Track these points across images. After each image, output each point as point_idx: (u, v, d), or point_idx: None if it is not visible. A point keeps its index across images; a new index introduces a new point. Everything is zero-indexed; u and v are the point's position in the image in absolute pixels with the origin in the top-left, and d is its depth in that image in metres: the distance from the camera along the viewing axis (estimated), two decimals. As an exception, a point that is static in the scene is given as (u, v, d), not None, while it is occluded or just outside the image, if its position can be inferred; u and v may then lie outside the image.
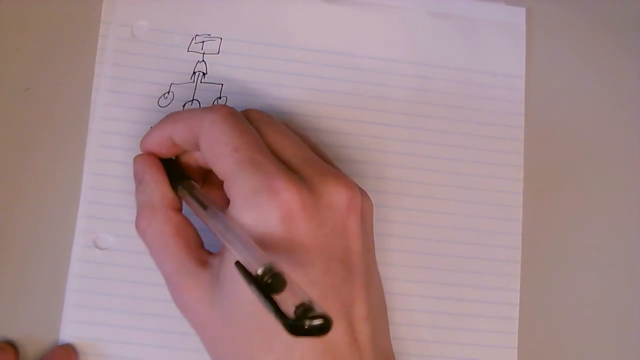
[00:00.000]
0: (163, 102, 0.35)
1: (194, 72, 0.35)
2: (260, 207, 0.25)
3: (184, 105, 0.35)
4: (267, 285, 0.21)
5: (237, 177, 0.26)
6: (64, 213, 0.33)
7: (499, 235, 0.35)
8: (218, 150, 0.27)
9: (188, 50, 0.35)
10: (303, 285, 0.22)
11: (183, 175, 0.30)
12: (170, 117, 0.29)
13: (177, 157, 0.31)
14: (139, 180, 0.30)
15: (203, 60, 0.35)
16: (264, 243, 0.24)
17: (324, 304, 0.21)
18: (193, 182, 0.29)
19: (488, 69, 0.37)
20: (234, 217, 0.25)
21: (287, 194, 0.25)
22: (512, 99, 0.37)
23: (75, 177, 0.34)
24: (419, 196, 0.35)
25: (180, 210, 0.29)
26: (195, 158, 0.31)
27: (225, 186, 0.26)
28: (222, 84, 0.35)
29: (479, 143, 0.36)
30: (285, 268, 0.22)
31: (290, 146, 0.28)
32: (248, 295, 0.23)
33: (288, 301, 0.21)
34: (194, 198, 0.28)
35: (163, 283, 0.32)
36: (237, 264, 0.23)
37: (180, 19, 0.35)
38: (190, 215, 0.29)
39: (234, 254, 0.24)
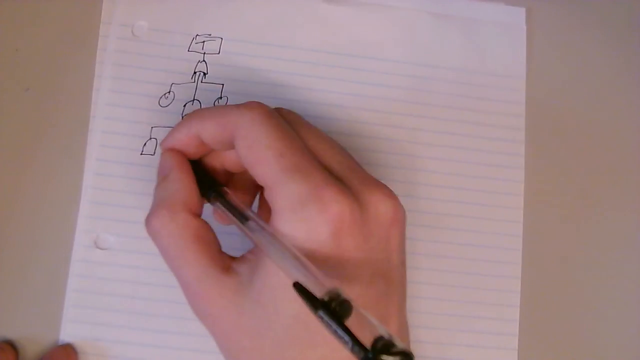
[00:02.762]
0: (164, 102, 0.35)
1: (195, 72, 0.35)
2: (310, 220, 0.23)
3: (184, 105, 0.35)
4: (334, 312, 0.20)
5: (282, 185, 0.24)
6: (65, 213, 0.33)
7: (499, 236, 0.35)
8: (260, 154, 0.25)
9: (189, 50, 0.35)
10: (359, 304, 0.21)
11: (214, 181, 0.28)
12: (198, 114, 0.27)
13: (200, 159, 0.29)
14: (163, 176, 0.27)
15: (204, 60, 0.35)
16: (312, 257, 0.23)
17: None
18: (225, 188, 0.27)
19: (488, 69, 0.37)
20: (279, 229, 0.24)
21: (338, 207, 0.24)
22: (512, 99, 0.37)
23: (75, 177, 0.34)
24: (418, 197, 0.35)
25: (200, 214, 0.27)
26: (221, 160, 0.29)
27: (266, 193, 0.25)
28: (222, 84, 0.35)
29: (480, 144, 0.36)
30: (336, 282, 0.21)
31: (330, 151, 0.27)
32: (290, 309, 0.22)
33: (352, 329, 0.20)
34: (231, 207, 0.26)
35: (163, 283, 0.33)
36: (297, 285, 0.22)
37: (180, 18, 0.35)
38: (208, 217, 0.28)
39: (289, 275, 0.22)
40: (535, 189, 0.36)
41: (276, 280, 0.23)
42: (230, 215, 0.26)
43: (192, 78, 0.35)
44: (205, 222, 0.27)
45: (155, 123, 0.34)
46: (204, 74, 0.35)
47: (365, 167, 0.29)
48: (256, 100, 0.26)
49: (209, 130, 0.27)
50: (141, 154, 0.34)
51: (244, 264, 0.26)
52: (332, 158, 0.26)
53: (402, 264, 0.26)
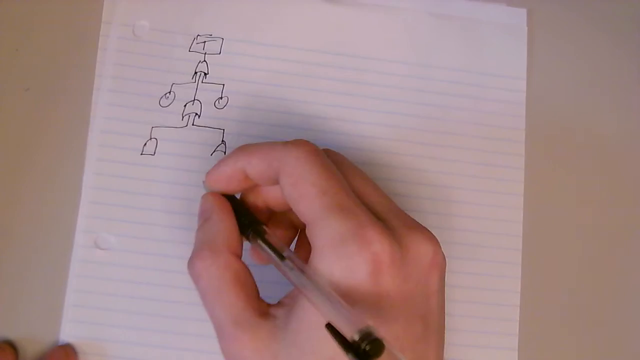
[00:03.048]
0: (164, 102, 0.35)
1: (196, 72, 0.35)
2: (350, 257, 0.24)
3: (185, 106, 0.35)
4: (365, 353, 0.20)
5: (324, 222, 0.24)
6: (65, 213, 0.33)
7: (499, 236, 0.35)
8: (304, 190, 0.25)
9: (189, 50, 0.35)
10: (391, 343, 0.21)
11: (253, 219, 0.28)
12: (244, 149, 0.28)
13: (241, 196, 0.30)
14: (205, 218, 0.28)
15: (204, 61, 0.35)
16: (350, 296, 0.23)
17: None
18: (265, 227, 0.27)
19: (489, 70, 0.37)
20: (319, 267, 0.24)
21: (379, 246, 0.24)
22: (513, 100, 0.37)
23: (76, 177, 0.34)
24: (418, 197, 0.35)
25: (240, 256, 0.27)
26: (263, 197, 0.29)
27: (308, 230, 0.25)
28: (223, 84, 0.35)
29: (480, 144, 0.36)
30: (370, 323, 0.21)
31: (374, 193, 0.27)
32: (326, 349, 0.22)
33: None
34: (269, 246, 0.26)
35: (163, 283, 0.33)
36: (329, 326, 0.22)
37: (181, 18, 0.35)
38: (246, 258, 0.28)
39: (323, 314, 0.23)
40: (536, 189, 0.36)
41: (314, 320, 0.23)
42: (268, 252, 0.26)
43: (192, 78, 0.35)
44: (246, 266, 0.27)
45: (156, 123, 0.34)
46: (205, 74, 0.35)
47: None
48: (304, 139, 0.27)
49: (255, 165, 0.27)
50: (141, 154, 0.34)
51: (280, 309, 0.26)
52: (375, 200, 0.27)
53: (442, 308, 0.26)
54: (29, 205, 0.33)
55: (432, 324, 0.25)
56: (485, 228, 0.35)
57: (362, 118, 0.36)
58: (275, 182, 0.27)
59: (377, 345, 0.21)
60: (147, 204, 0.34)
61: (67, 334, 0.32)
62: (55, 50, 0.35)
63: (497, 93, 0.37)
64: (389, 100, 0.36)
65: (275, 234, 0.27)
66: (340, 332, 0.21)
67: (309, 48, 0.36)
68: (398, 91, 0.36)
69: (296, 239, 0.30)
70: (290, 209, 0.26)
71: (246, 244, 0.28)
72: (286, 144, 0.27)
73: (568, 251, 0.36)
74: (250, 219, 0.28)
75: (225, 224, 0.27)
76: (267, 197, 0.29)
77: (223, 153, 0.34)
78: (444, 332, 0.27)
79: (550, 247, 0.36)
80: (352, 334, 0.21)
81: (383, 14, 0.37)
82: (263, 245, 0.27)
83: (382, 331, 0.21)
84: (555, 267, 0.36)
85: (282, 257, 0.25)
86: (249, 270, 0.27)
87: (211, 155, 0.34)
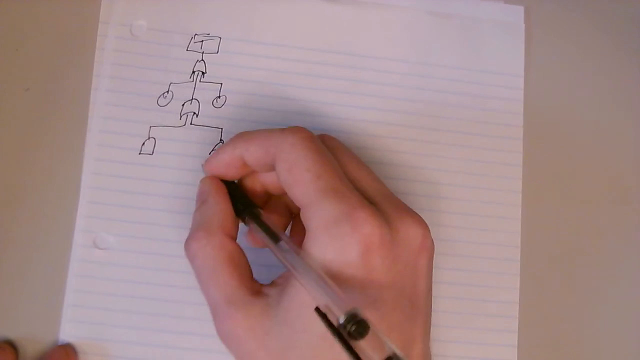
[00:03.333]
0: (162, 101, 0.35)
1: (193, 72, 0.35)
2: (342, 238, 0.24)
3: (183, 105, 0.35)
4: (350, 334, 0.21)
5: (318, 205, 0.25)
6: (64, 213, 0.33)
7: (498, 233, 0.35)
8: (298, 176, 0.26)
9: (187, 50, 0.35)
10: (373, 321, 0.22)
11: (249, 203, 0.29)
12: (242, 136, 0.29)
13: (239, 180, 0.30)
14: (202, 200, 0.29)
15: (202, 60, 0.35)
16: (340, 276, 0.24)
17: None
18: (260, 210, 0.28)
19: (487, 67, 0.37)
20: (312, 248, 0.25)
21: (369, 228, 0.24)
22: (511, 97, 0.37)
23: (75, 177, 0.34)
24: (417, 195, 0.35)
25: (235, 238, 0.28)
26: (261, 182, 0.30)
27: (302, 213, 0.26)
28: (221, 83, 0.35)
29: (478, 142, 0.36)
30: (359, 303, 0.22)
31: (367, 177, 0.28)
32: (316, 327, 0.23)
33: (369, 348, 0.21)
34: (264, 228, 0.27)
35: (162, 283, 0.33)
36: (317, 310, 0.23)
37: (179, 18, 0.35)
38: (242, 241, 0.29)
39: (313, 296, 0.23)
40: (533, 185, 0.36)
41: (305, 300, 0.24)
42: (262, 234, 0.27)
43: (190, 77, 0.35)
44: (240, 247, 0.28)
45: (154, 122, 0.34)
46: (203, 73, 0.35)
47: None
48: (300, 126, 0.28)
49: (252, 152, 0.28)
50: (140, 154, 0.34)
51: (273, 288, 0.27)
52: (368, 184, 0.28)
53: (429, 291, 0.27)
54: (28, 205, 0.33)
55: (419, 305, 0.26)
56: (483, 225, 0.35)
57: (360, 116, 0.36)
58: (272, 168, 0.27)
59: (362, 326, 0.21)
60: (146, 203, 0.34)
61: (67, 333, 0.32)
62: (54, 50, 0.35)
63: (495, 90, 0.37)
64: (388, 98, 0.36)
65: (270, 218, 0.28)
66: (328, 314, 0.22)
67: (308, 47, 0.36)
68: (396, 89, 0.36)
69: (291, 224, 0.31)
70: (286, 194, 0.27)
71: (243, 228, 0.29)
72: (283, 130, 0.27)
73: (567, 248, 0.36)
74: (246, 202, 0.29)
75: (220, 206, 0.28)
76: (264, 182, 0.30)
77: (221, 152, 0.34)
78: (431, 314, 0.27)
79: (549, 244, 0.36)
80: (338, 316, 0.22)
81: (381, 13, 0.37)
82: (258, 227, 0.27)
83: (370, 311, 0.23)
84: (554, 263, 0.36)
85: (276, 240, 0.26)
86: (243, 251, 0.28)
87: (209, 154, 0.34)
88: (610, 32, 0.38)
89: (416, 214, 0.27)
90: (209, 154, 0.34)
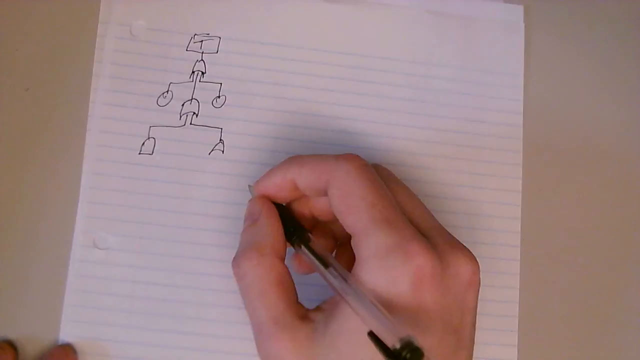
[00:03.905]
0: (162, 101, 0.35)
1: (193, 71, 0.35)
2: (394, 269, 0.25)
3: (182, 105, 0.35)
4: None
5: (371, 234, 0.25)
6: (64, 213, 0.33)
7: (498, 233, 0.35)
8: (352, 203, 0.26)
9: (187, 50, 0.35)
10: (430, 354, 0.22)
11: (300, 227, 0.29)
12: (295, 160, 0.29)
13: (288, 204, 0.30)
14: (253, 220, 0.29)
15: (202, 60, 0.35)
16: (391, 305, 0.24)
17: None
18: (310, 234, 0.28)
19: (487, 67, 0.37)
20: (362, 276, 0.25)
21: (421, 260, 0.25)
22: (510, 96, 0.37)
23: (74, 177, 0.34)
24: (417, 194, 0.35)
25: (284, 260, 0.28)
26: (310, 206, 0.30)
27: (354, 241, 0.26)
28: (221, 83, 0.35)
29: (478, 141, 0.36)
30: (409, 332, 0.22)
31: (418, 209, 0.28)
32: (365, 353, 0.23)
33: None
34: (314, 253, 0.27)
35: (162, 282, 0.33)
36: (371, 334, 0.23)
37: (178, 18, 0.35)
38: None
39: (366, 321, 0.23)
40: (533, 185, 0.36)
41: (353, 325, 0.24)
42: (312, 259, 0.27)
43: (190, 77, 0.35)
44: (288, 270, 0.28)
45: (154, 122, 0.34)
46: (202, 73, 0.35)
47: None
48: (354, 153, 0.28)
49: (305, 177, 0.28)
50: (139, 154, 0.34)
51: (319, 313, 0.27)
52: (420, 216, 0.28)
53: (474, 325, 0.27)
54: (28, 205, 0.33)
55: (464, 339, 0.26)
56: (483, 225, 0.35)
57: (360, 116, 0.36)
58: (323, 193, 0.28)
59: (417, 354, 0.21)
60: (146, 203, 0.34)
61: (67, 333, 0.32)
62: (54, 50, 0.35)
63: (494, 90, 0.37)
64: (387, 97, 0.36)
65: (319, 243, 0.28)
66: (382, 340, 0.22)
67: (307, 46, 0.36)
68: (395, 88, 0.36)
69: (336, 250, 0.31)
70: (334, 220, 0.28)
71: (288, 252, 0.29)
72: (337, 157, 0.28)
73: (567, 247, 0.36)
74: (296, 226, 0.29)
75: (272, 227, 0.28)
76: (313, 207, 0.30)
77: (221, 152, 0.34)
78: (473, 348, 0.27)
79: (549, 244, 0.36)
80: (393, 342, 0.22)
81: (381, 12, 0.37)
82: (307, 252, 0.27)
83: (419, 340, 0.22)
84: (554, 262, 0.36)
85: (326, 265, 0.26)
86: (290, 274, 0.28)
87: (209, 154, 0.34)
88: (610, 30, 0.38)
89: (467, 249, 0.27)
90: (209, 153, 0.34)
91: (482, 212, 0.35)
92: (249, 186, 0.30)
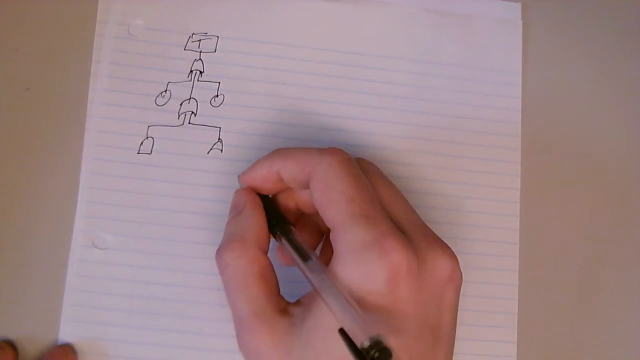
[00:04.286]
0: (160, 100, 0.35)
1: (191, 71, 0.35)
2: (369, 264, 0.24)
3: (181, 104, 0.35)
4: (373, 359, 0.21)
5: (348, 229, 0.25)
6: (63, 213, 0.33)
7: (496, 230, 0.35)
8: (332, 197, 0.26)
9: (185, 49, 0.35)
10: (396, 350, 0.22)
11: (283, 219, 0.29)
12: (281, 152, 0.29)
13: (273, 196, 0.30)
14: (237, 211, 0.29)
15: (200, 59, 0.35)
16: (365, 301, 0.24)
17: None
18: (292, 227, 0.29)
19: (485, 65, 0.37)
20: (338, 271, 0.25)
21: (397, 256, 0.24)
22: (509, 94, 0.37)
23: (73, 177, 0.34)
24: (416, 192, 0.35)
25: (267, 252, 0.28)
26: (295, 199, 0.30)
27: (332, 235, 0.26)
28: (219, 82, 0.35)
29: (476, 139, 0.36)
30: (381, 330, 0.22)
31: (399, 205, 0.28)
32: (338, 350, 0.23)
33: None
34: (294, 246, 0.27)
35: (161, 282, 0.33)
36: (342, 331, 0.23)
37: (176, 17, 0.35)
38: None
39: (338, 318, 0.23)
40: (532, 183, 0.36)
41: (329, 322, 0.24)
42: (292, 252, 0.27)
43: (188, 76, 0.35)
44: (271, 263, 0.28)
45: (152, 122, 0.34)
46: (201, 72, 0.35)
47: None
48: (339, 148, 0.28)
49: (289, 169, 0.28)
50: (138, 153, 0.34)
51: (298, 307, 0.27)
52: (401, 212, 0.28)
53: (453, 323, 0.27)
54: (27, 205, 0.33)
55: (442, 338, 0.26)
56: (482, 222, 0.35)
57: (358, 114, 0.36)
58: (307, 186, 0.28)
59: (385, 354, 0.21)
60: (145, 203, 0.34)
61: (66, 333, 0.32)
62: (53, 50, 0.35)
63: (493, 87, 0.37)
64: (385, 96, 0.36)
65: (301, 236, 0.28)
66: (352, 337, 0.22)
67: (305, 45, 0.36)
68: (393, 87, 0.36)
69: (321, 244, 0.31)
70: (318, 213, 0.27)
71: (272, 244, 0.29)
72: (321, 151, 0.28)
73: (565, 244, 0.36)
74: (279, 218, 0.29)
75: (256, 219, 0.28)
76: (298, 199, 0.30)
77: (220, 151, 0.34)
78: (453, 348, 0.27)
79: (547, 241, 0.36)
80: (362, 341, 0.22)
81: (379, 10, 0.37)
82: (288, 244, 0.27)
83: (392, 339, 0.22)
84: (553, 260, 0.36)
85: (305, 258, 0.26)
86: (273, 267, 0.28)
87: (208, 153, 0.34)
88: (608, 28, 0.38)
89: (446, 245, 0.27)
90: (207, 153, 0.34)
91: (481, 210, 0.35)
92: (238, 177, 0.30)
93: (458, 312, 0.34)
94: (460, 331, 0.34)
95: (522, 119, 0.36)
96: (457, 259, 0.27)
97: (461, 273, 0.27)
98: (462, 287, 0.34)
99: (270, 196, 0.30)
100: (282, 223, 0.29)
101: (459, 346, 0.34)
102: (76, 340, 0.32)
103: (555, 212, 0.36)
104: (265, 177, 0.29)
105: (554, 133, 0.37)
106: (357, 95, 0.36)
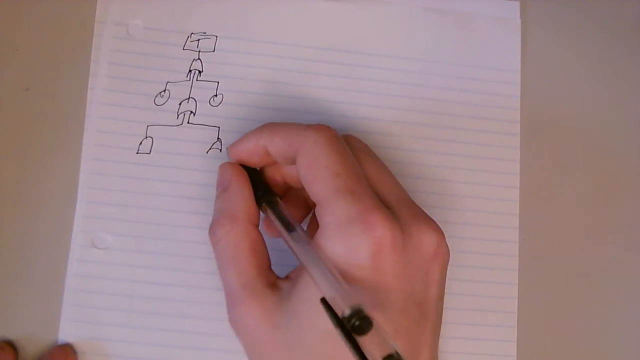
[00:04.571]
0: (159, 100, 0.35)
1: (190, 70, 0.35)
2: (353, 238, 0.25)
3: (180, 104, 0.35)
4: (354, 328, 0.21)
5: (333, 203, 0.25)
6: (62, 213, 0.33)
7: (496, 229, 0.35)
8: (317, 172, 0.26)
9: (184, 49, 0.35)
10: (379, 322, 0.22)
11: (269, 191, 0.29)
12: (268, 127, 0.29)
13: (261, 169, 0.31)
14: (223, 187, 0.29)
15: (199, 58, 0.35)
16: (349, 275, 0.24)
17: None
18: (278, 199, 0.29)
19: (484, 63, 0.37)
20: (323, 244, 0.25)
21: (381, 230, 0.24)
22: (508, 93, 0.37)
23: (72, 177, 0.34)
24: (415, 191, 0.35)
25: (257, 226, 0.28)
26: (282, 173, 0.30)
27: (317, 210, 0.26)
28: (218, 82, 0.35)
29: (476, 137, 0.36)
30: (365, 302, 0.22)
31: (386, 181, 0.28)
32: (324, 323, 0.23)
33: (371, 346, 0.21)
34: (279, 217, 0.27)
35: (161, 282, 0.33)
36: (323, 300, 0.23)
37: (175, 17, 0.35)
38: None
39: (320, 288, 0.23)
40: (531, 181, 0.36)
41: (314, 294, 0.24)
42: (277, 222, 0.27)
43: (187, 76, 0.35)
44: (261, 236, 0.28)
45: (151, 122, 0.34)
46: (199, 72, 0.35)
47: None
48: (325, 124, 0.28)
49: (276, 144, 0.28)
50: (137, 153, 0.34)
51: (287, 282, 0.27)
52: (387, 188, 0.28)
53: (440, 298, 0.27)
54: (26, 205, 0.33)
55: (428, 312, 0.26)
56: (481, 221, 0.35)
57: (357, 113, 0.36)
58: (294, 162, 0.28)
59: (366, 322, 0.21)
60: (144, 202, 0.34)
61: (66, 333, 0.32)
62: (53, 50, 0.35)
63: (491, 86, 0.37)
64: (384, 95, 0.36)
65: (287, 209, 0.28)
66: (333, 307, 0.22)
67: (304, 44, 0.36)
68: (393, 86, 0.36)
69: (309, 218, 0.31)
70: (305, 188, 0.27)
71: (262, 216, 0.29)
72: (308, 127, 0.28)
73: (564, 243, 0.36)
74: (265, 190, 0.29)
75: (243, 193, 0.29)
76: (285, 174, 0.30)
77: (219, 151, 0.34)
78: (441, 322, 0.27)
79: (546, 239, 0.36)
80: (343, 309, 0.22)
81: (377, 9, 0.37)
82: (273, 215, 0.28)
83: (376, 313, 0.22)
84: (553, 258, 0.36)
85: (290, 229, 0.26)
86: (264, 241, 0.28)
87: (207, 153, 0.34)
88: (606, 26, 0.38)
89: (432, 220, 0.27)
90: (206, 152, 0.34)
91: (479, 209, 0.35)
92: (226, 149, 0.30)
93: (457, 311, 0.34)
94: (460, 330, 0.34)
95: (521, 117, 0.36)
96: (443, 234, 0.27)
97: (448, 248, 0.27)
98: (461, 286, 0.34)
99: (258, 169, 0.30)
100: (268, 195, 0.29)
101: (458, 345, 0.34)
102: (76, 340, 0.32)
103: (555, 211, 0.36)
104: (252, 151, 0.29)
105: (553, 131, 0.37)
106: (356, 95, 0.36)
